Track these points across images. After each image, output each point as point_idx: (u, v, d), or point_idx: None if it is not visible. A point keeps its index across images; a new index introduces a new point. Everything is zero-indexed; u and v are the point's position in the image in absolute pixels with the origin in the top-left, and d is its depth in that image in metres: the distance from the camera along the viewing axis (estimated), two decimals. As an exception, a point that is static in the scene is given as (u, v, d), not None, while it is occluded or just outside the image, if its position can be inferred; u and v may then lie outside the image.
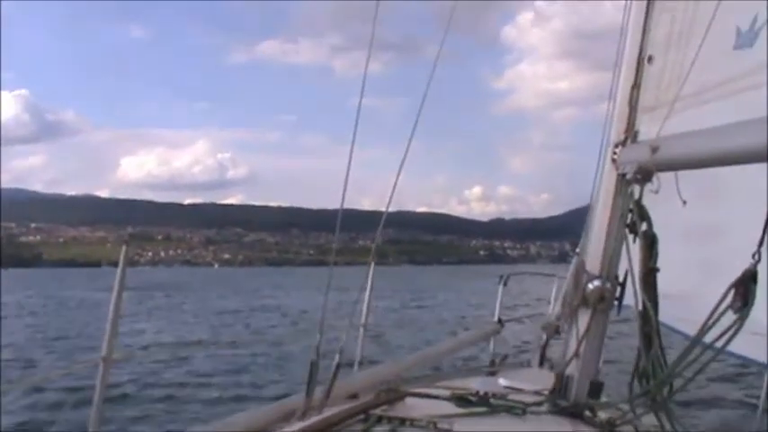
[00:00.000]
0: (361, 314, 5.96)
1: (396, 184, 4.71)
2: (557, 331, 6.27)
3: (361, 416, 4.00)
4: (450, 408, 4.25)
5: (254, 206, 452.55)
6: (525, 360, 7.27)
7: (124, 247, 4.25)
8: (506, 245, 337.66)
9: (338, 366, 4.27)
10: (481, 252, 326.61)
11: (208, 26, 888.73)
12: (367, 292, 5.98)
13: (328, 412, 4.18)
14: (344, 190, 4.54)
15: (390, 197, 4.84)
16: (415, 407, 4.32)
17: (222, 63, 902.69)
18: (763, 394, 5.53)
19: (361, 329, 5.99)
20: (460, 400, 4.35)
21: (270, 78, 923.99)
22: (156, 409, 15.42)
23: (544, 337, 6.76)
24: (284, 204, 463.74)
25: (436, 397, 4.48)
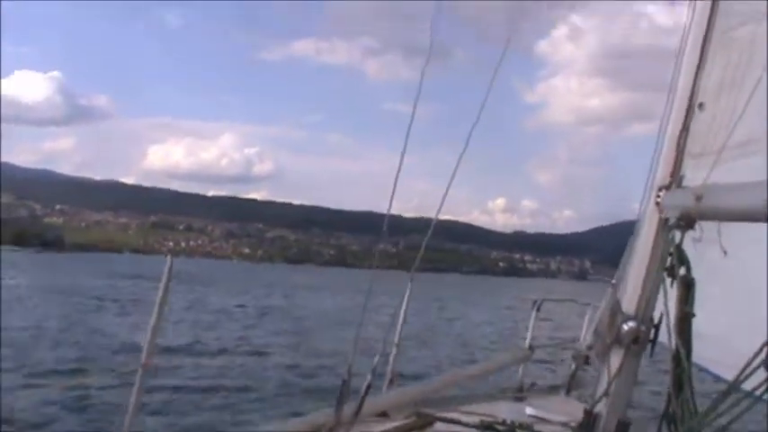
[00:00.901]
0: (395, 332, 5.94)
1: (446, 193, 4.79)
2: (586, 361, 6.30)
3: None
4: None
5: (276, 202, 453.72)
6: (553, 387, 7.28)
7: (169, 258, 4.26)
8: (526, 258, 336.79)
9: (369, 385, 4.31)
10: (501, 263, 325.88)
11: (244, 21, 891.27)
12: (402, 311, 5.97)
13: None
14: (392, 197, 4.59)
15: (440, 207, 4.89)
16: None
17: (256, 59, 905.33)
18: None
19: (395, 348, 5.99)
20: (487, 429, 4.40)
21: (302, 77, 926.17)
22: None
23: (573, 366, 6.78)
24: (307, 203, 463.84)
25: (465, 424, 4.52)
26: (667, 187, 3.96)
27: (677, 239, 3.79)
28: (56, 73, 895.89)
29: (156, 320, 4.12)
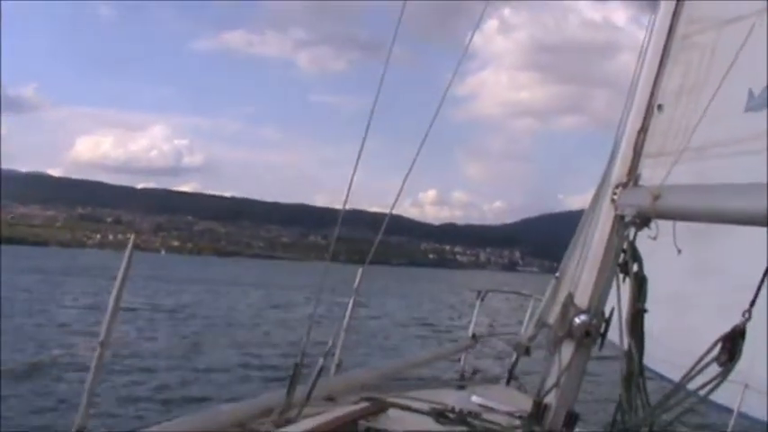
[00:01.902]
0: (343, 318, 5.99)
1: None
2: (527, 352, 6.42)
3: (350, 426, 4.13)
4: (431, 424, 4.51)
5: (206, 195, 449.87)
6: (494, 376, 7.39)
7: (132, 236, 4.35)
8: (456, 250, 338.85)
9: (321, 369, 4.38)
10: (431, 255, 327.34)
11: (176, 10, 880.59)
12: (351, 297, 6.03)
13: (312, 419, 4.30)
14: (348, 190, 4.66)
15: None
16: (398, 420, 4.50)
17: (187, 49, 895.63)
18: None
19: (342, 333, 6.04)
20: (440, 416, 4.51)
21: (233, 68, 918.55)
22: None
23: (515, 356, 6.90)
24: (237, 195, 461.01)
25: (416, 410, 4.61)
26: (624, 185, 4.04)
27: (631, 236, 3.89)
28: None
29: (115, 299, 4.13)
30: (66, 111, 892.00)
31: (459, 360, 7.64)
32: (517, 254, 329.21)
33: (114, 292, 4.13)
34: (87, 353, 4.28)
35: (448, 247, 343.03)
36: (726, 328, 3.18)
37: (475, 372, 7.38)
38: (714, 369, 3.25)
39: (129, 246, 4.25)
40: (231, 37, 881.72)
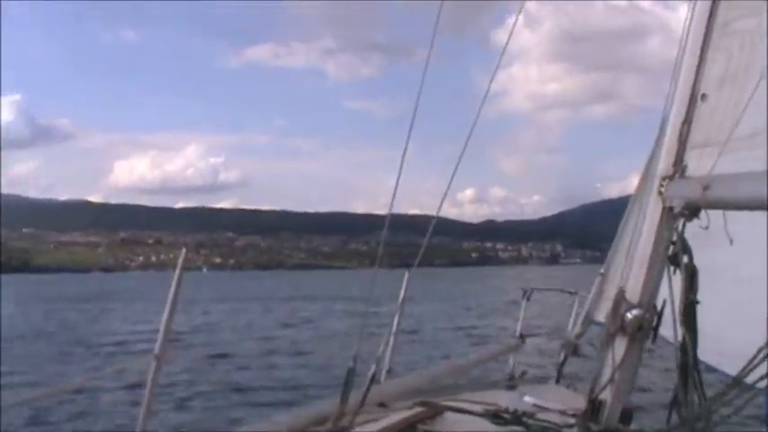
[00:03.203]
0: (392, 323, 5.99)
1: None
2: (575, 350, 6.38)
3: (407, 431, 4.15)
4: (487, 425, 4.48)
5: (245, 210, 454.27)
6: (543, 376, 7.36)
7: (183, 251, 4.38)
8: (498, 247, 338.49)
9: (374, 375, 4.38)
10: (473, 254, 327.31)
11: (200, 30, 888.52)
12: (399, 302, 6.02)
13: (368, 425, 4.30)
14: (393, 196, 4.63)
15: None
16: (454, 423, 4.51)
17: (215, 67, 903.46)
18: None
19: (392, 339, 6.03)
20: (495, 417, 4.50)
21: (262, 82, 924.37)
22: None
23: (563, 354, 6.87)
24: (276, 208, 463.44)
25: (471, 413, 4.60)
26: (671, 177, 3.99)
27: (680, 228, 3.84)
28: (17, 96, 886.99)
29: (169, 313, 4.17)
30: (100, 137, 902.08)
31: (508, 360, 7.61)
32: (558, 246, 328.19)
33: (168, 307, 4.17)
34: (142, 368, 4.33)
35: (489, 245, 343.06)
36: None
37: (523, 372, 7.35)
38: None
39: (180, 260, 4.32)
40: (257, 51, 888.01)
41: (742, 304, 4.72)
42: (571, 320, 7.07)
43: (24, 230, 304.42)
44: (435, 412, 4.72)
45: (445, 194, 4.99)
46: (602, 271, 6.19)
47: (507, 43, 4.92)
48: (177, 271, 4.22)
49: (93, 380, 17.98)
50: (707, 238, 3.68)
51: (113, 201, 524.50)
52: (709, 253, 3.80)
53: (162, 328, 4.21)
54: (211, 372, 21.92)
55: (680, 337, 3.69)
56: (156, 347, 4.17)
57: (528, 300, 8.08)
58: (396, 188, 4.84)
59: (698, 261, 3.73)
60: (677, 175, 3.96)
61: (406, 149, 4.82)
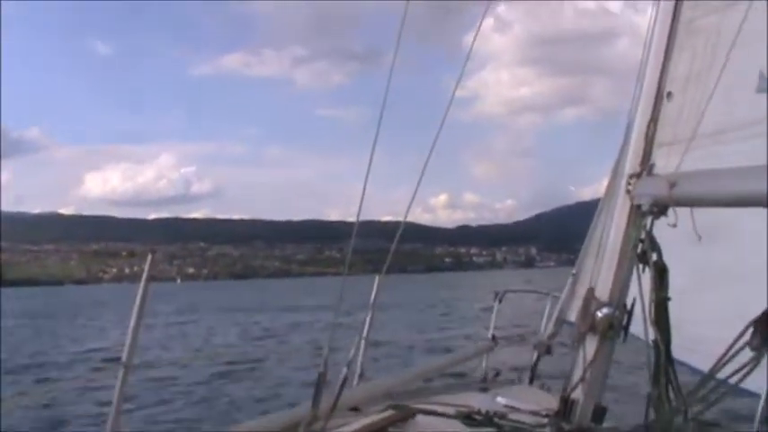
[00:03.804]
0: (363, 327, 5.98)
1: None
2: (548, 350, 6.39)
3: None
4: (459, 426, 4.53)
5: (218, 219, 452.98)
6: (516, 377, 7.38)
7: (149, 257, 4.37)
8: (472, 251, 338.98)
9: (345, 379, 4.36)
10: (447, 259, 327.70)
11: (170, 40, 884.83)
12: (370, 306, 6.02)
13: (339, 430, 4.28)
14: (360, 203, 4.60)
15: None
16: (426, 425, 4.51)
17: (186, 76, 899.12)
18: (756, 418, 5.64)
19: (363, 342, 6.02)
20: (467, 418, 4.51)
21: (234, 91, 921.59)
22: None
23: (535, 355, 6.89)
24: (248, 217, 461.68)
25: (443, 415, 4.61)
26: (638, 175, 4.01)
27: (648, 226, 3.85)
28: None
29: (135, 321, 4.16)
30: (71, 149, 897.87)
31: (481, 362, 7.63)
32: (533, 250, 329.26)
33: (134, 315, 4.16)
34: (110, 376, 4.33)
35: (464, 250, 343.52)
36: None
37: (497, 373, 7.36)
38: (743, 357, 3.23)
39: (146, 266, 4.30)
40: (229, 60, 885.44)
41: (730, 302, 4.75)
42: (544, 321, 7.08)
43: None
44: (406, 415, 4.73)
45: (412, 199, 4.96)
46: (574, 271, 6.21)
47: (471, 48, 4.92)
48: (144, 277, 4.21)
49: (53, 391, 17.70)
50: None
51: (85, 213, 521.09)
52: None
53: (129, 336, 4.20)
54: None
55: (651, 335, 3.70)
56: (124, 356, 4.17)
57: (500, 302, 8.10)
58: (362, 195, 4.80)
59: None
60: (645, 174, 3.99)
61: (372, 157, 4.79)
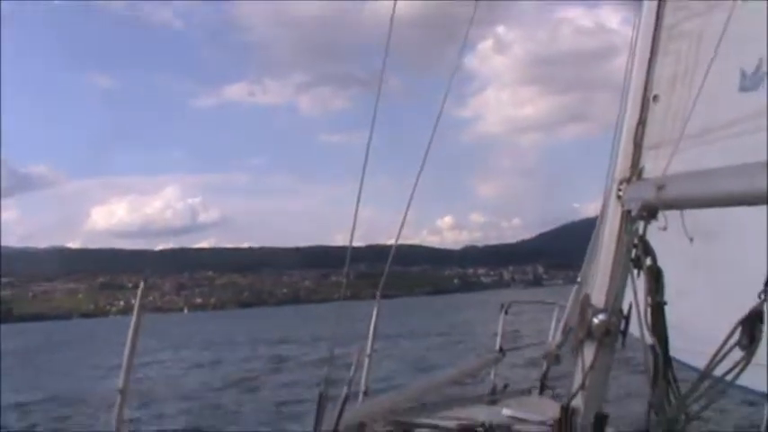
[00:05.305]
0: (366, 344, 5.99)
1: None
2: (557, 360, 6.39)
3: None
4: None
5: (225, 249, 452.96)
6: (526, 388, 7.37)
7: (141, 284, 4.42)
8: (480, 272, 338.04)
9: (347, 397, 4.36)
10: (455, 281, 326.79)
11: (174, 73, 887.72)
12: (372, 324, 6.04)
13: None
14: (353, 226, 4.62)
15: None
16: None
17: (190, 108, 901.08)
18: (763, 424, 5.64)
19: (367, 360, 6.04)
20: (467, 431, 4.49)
21: (237, 121, 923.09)
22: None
23: (545, 365, 6.88)
24: (255, 245, 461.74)
25: (443, 429, 4.60)
26: (628, 180, 4.04)
27: (641, 230, 3.88)
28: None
29: (130, 348, 4.20)
30: (78, 183, 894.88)
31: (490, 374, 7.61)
32: (540, 268, 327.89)
33: (128, 343, 4.21)
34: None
35: (471, 271, 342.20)
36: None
37: (506, 385, 7.35)
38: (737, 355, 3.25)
39: (138, 293, 4.35)
40: (232, 90, 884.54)
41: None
42: (551, 331, 7.09)
43: (4, 280, 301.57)
44: (405, 430, 4.71)
45: (404, 219, 5.03)
46: (578, 280, 6.24)
47: (457, 66, 4.97)
48: (136, 305, 4.26)
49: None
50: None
51: (92, 246, 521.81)
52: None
53: (124, 363, 4.26)
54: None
55: (649, 339, 3.72)
56: (120, 382, 4.21)
57: (506, 313, 8.09)
58: (354, 220, 4.84)
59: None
60: (634, 178, 4.02)
61: (362, 181, 4.83)
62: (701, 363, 4.45)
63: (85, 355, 53.73)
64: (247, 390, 30.50)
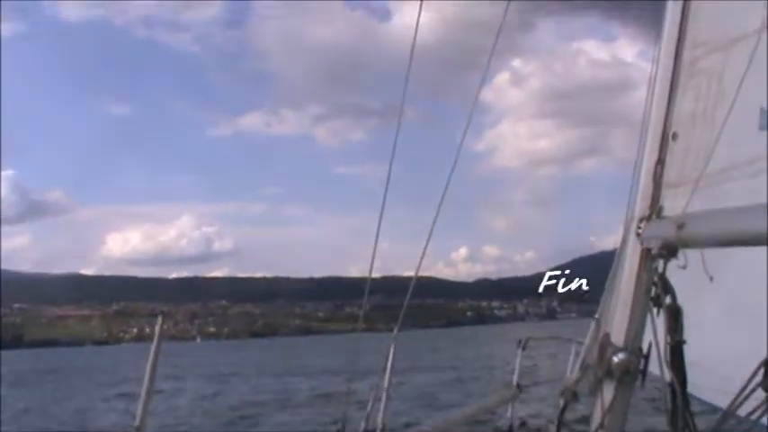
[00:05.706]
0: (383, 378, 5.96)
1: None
2: (575, 397, 6.33)
3: None
4: None
5: (239, 278, 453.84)
6: (543, 425, 7.31)
7: (159, 318, 4.35)
8: (493, 305, 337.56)
9: None
10: (468, 313, 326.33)
11: (189, 102, 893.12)
12: (389, 360, 6.00)
13: None
14: (373, 258, 4.60)
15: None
16: None
17: (206, 137, 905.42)
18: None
19: (384, 395, 6.00)
20: None
21: (253, 151, 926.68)
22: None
23: (562, 402, 6.82)
24: (269, 275, 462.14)
25: None
26: (648, 218, 4.02)
27: (660, 269, 3.85)
28: (10, 172, 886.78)
29: (148, 384, 4.14)
30: (93, 211, 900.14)
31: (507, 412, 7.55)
32: (554, 302, 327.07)
33: (146, 377, 4.15)
34: None
35: (485, 303, 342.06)
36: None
37: (523, 422, 7.29)
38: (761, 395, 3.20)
39: (157, 327, 4.29)
40: (248, 120, 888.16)
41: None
42: (569, 367, 7.04)
43: (16, 305, 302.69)
44: None
45: (422, 255, 4.98)
46: (596, 316, 6.20)
47: (477, 96, 4.97)
48: (155, 340, 4.20)
49: None
50: None
51: (107, 273, 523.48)
52: None
53: (141, 399, 4.19)
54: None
55: (668, 378, 3.69)
56: (137, 419, 4.15)
57: (523, 349, 8.04)
58: (374, 252, 4.83)
59: None
60: (654, 216, 3.99)
61: (381, 214, 4.82)
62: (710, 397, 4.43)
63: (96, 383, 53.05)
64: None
